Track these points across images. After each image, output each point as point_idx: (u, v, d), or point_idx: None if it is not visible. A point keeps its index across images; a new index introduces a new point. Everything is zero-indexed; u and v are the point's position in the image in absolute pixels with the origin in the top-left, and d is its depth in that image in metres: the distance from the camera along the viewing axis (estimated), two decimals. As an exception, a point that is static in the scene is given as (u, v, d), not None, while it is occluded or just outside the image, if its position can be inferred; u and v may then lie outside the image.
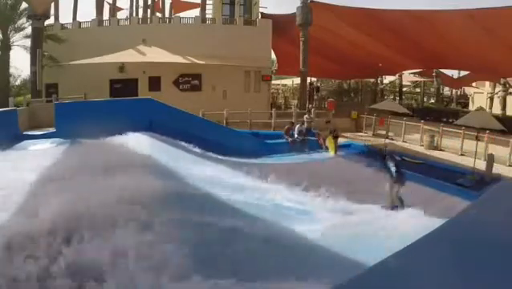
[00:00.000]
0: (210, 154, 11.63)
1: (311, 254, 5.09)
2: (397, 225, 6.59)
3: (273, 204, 7.53)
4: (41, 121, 13.57)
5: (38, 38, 17.16)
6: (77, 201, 4.61)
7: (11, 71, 20.22)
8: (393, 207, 7.90)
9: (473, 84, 31.35)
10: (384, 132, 16.12)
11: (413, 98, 37.32)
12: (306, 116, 15.73)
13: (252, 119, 16.81)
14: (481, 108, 19.52)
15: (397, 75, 31.78)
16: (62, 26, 20.68)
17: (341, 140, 14.79)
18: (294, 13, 20.12)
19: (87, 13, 29.02)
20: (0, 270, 3.37)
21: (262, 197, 7.93)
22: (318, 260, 4.91)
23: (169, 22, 21.90)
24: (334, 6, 19.88)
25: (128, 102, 13.48)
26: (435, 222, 4.01)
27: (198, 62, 18.68)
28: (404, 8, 20.11)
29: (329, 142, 13.81)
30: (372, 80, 31.55)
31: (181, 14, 24.75)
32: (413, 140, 15.33)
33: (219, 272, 3.99)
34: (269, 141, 14.78)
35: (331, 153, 13.63)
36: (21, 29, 19.33)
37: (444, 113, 23.91)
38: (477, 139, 11.35)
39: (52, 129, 12.05)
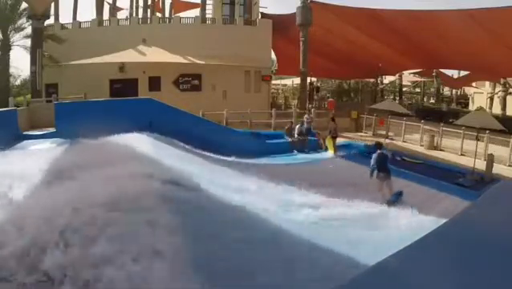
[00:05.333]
0: (210, 154, 11.62)
1: (311, 254, 5.09)
2: (397, 225, 6.60)
3: (272, 204, 7.52)
4: (41, 121, 13.56)
5: (38, 38, 17.15)
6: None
7: (11, 71, 20.28)
8: (389, 203, 8.05)
9: (473, 84, 31.38)
10: (384, 132, 16.12)
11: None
12: (306, 115, 15.73)
13: (252, 119, 16.81)
14: (481, 108, 19.52)
15: (397, 75, 31.79)
16: (62, 26, 20.68)
17: (340, 140, 14.80)
18: (294, 13, 20.11)
19: (86, 10, 28.99)
20: None
21: (262, 196, 7.93)
22: (318, 260, 4.91)
23: (169, 22, 21.89)
24: (334, 6, 19.88)
25: (128, 102, 13.48)
26: (435, 222, 4.02)
27: (198, 62, 18.68)
28: (404, 8, 20.13)
29: (328, 142, 13.83)
30: (372, 80, 31.56)
31: (181, 14, 24.78)
32: (413, 140, 15.33)
33: (217, 271, 4.00)
34: (269, 141, 14.78)
35: (331, 153, 13.64)
36: (21, 29, 19.36)
37: (444, 113, 23.73)
38: (477, 139, 11.35)
39: (52, 129, 12.04)
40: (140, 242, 3.79)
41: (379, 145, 8.90)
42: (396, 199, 8.29)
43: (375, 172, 8.31)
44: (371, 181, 8.60)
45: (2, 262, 3.33)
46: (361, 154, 13.82)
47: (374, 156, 8.38)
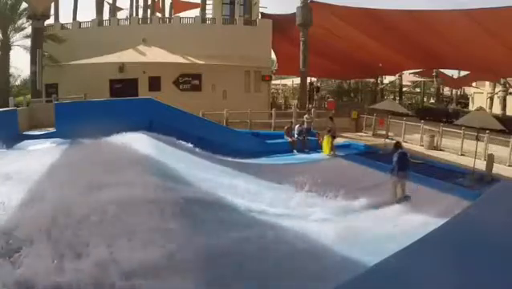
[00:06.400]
0: (210, 154, 11.61)
1: (311, 254, 5.09)
2: (397, 225, 6.60)
3: (273, 204, 7.52)
4: (41, 121, 13.56)
5: (38, 38, 17.15)
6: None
7: (11, 71, 20.25)
8: (399, 201, 8.24)
9: (473, 84, 31.38)
10: (384, 132, 16.11)
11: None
12: (306, 115, 15.73)
13: (252, 119, 16.80)
14: (481, 108, 19.52)
15: (397, 75, 31.79)
16: (63, 26, 20.69)
17: (340, 140, 14.79)
18: (294, 13, 20.11)
19: (86, 10, 28.92)
20: None
21: (262, 197, 7.92)
22: (318, 260, 4.91)
23: (169, 22, 21.90)
24: (334, 6, 19.88)
25: (128, 102, 13.46)
26: (435, 222, 4.01)
27: (198, 62, 18.68)
28: (404, 8, 20.13)
29: (326, 141, 13.73)
30: (372, 80, 31.55)
31: (181, 14, 24.78)
32: (413, 140, 15.33)
33: (219, 271, 4.00)
34: (269, 141, 14.78)
35: (325, 153, 13.58)
36: (21, 29, 19.34)
37: (450, 114, 23.22)
38: (477, 139, 11.34)
39: (52, 129, 12.03)
40: None
41: (398, 145, 9.04)
42: (406, 200, 8.42)
43: (395, 171, 8.47)
44: (371, 181, 8.61)
45: None
46: (361, 154, 13.83)
47: (396, 155, 8.54)
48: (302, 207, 7.58)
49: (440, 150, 14.06)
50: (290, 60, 23.02)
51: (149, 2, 25.86)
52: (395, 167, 8.48)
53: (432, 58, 21.70)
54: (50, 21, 19.84)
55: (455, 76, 33.13)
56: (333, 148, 13.53)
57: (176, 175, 7.83)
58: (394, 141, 14.69)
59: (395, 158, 8.52)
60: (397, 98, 32.67)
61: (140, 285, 3.49)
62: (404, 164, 8.54)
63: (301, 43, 19.95)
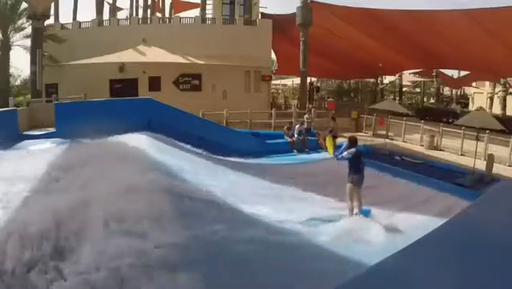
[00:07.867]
0: (210, 154, 11.61)
1: (311, 255, 5.09)
2: (397, 225, 6.59)
3: (272, 204, 7.52)
4: (41, 121, 13.56)
5: (38, 38, 17.15)
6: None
7: (11, 71, 20.27)
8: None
9: (473, 84, 31.40)
10: (384, 132, 16.12)
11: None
12: (306, 115, 15.73)
13: (252, 119, 16.81)
14: (481, 108, 19.53)
15: (397, 75, 31.80)
16: (63, 26, 20.70)
17: (340, 141, 14.78)
18: (294, 13, 20.12)
19: (86, 10, 28.91)
20: None
21: (262, 197, 7.92)
22: (317, 260, 4.91)
23: (169, 22, 21.91)
24: (334, 6, 19.89)
25: (128, 102, 13.45)
26: (435, 222, 4.01)
27: (198, 62, 18.69)
28: (404, 8, 20.14)
29: (328, 142, 13.76)
30: (372, 80, 31.56)
31: (181, 14, 24.79)
32: (413, 140, 15.34)
33: (219, 273, 4.00)
34: (269, 141, 14.79)
35: (329, 153, 13.60)
36: (21, 29, 19.36)
37: (458, 115, 22.91)
38: (477, 139, 11.35)
39: (52, 129, 12.03)
40: None
41: (353, 140, 7.25)
42: (366, 214, 7.06)
43: (348, 174, 7.06)
44: (371, 180, 8.58)
45: None
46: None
47: (352, 151, 6.99)
48: (298, 206, 7.57)
49: (440, 150, 14.07)
50: (290, 60, 23.03)
51: (149, 2, 25.87)
52: (342, 159, 7.03)
53: (432, 58, 21.71)
54: (50, 21, 19.87)
55: (455, 76, 33.18)
56: (335, 148, 13.55)
57: (175, 175, 7.83)
58: (387, 140, 14.67)
59: (348, 155, 6.95)
60: (397, 98, 32.69)
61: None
62: (359, 165, 7.08)
63: (301, 43, 19.95)
